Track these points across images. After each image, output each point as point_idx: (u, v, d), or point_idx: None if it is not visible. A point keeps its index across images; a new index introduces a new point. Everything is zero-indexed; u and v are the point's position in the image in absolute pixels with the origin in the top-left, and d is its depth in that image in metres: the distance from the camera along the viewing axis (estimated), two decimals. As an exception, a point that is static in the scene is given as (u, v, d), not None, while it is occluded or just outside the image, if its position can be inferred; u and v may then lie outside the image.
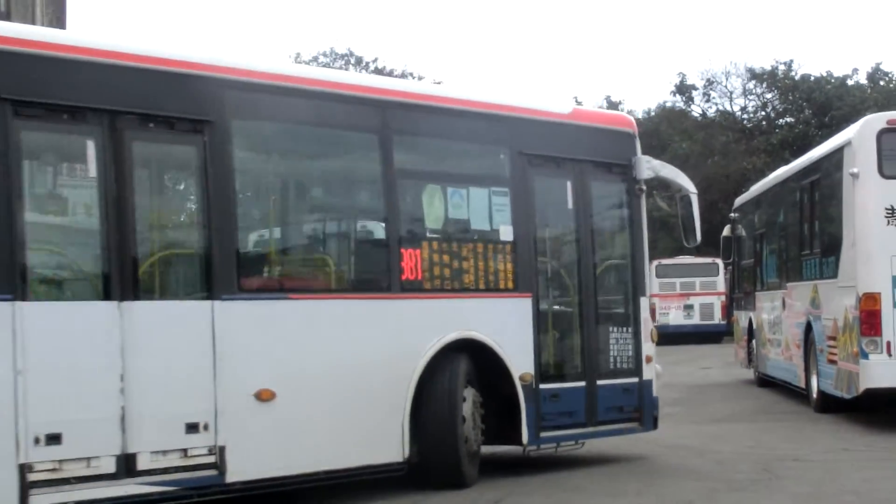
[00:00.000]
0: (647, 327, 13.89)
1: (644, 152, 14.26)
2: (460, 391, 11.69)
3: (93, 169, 9.65)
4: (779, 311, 20.77)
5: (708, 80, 60.82)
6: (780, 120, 60.49)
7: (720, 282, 47.41)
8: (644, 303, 14.00)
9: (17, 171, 9.10)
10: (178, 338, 9.90)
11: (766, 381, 22.79)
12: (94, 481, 9.32)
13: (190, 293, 10.24)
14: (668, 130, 59.39)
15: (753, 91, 60.78)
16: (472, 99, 12.66)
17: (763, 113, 60.90)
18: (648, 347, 13.76)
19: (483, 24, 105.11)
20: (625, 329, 13.65)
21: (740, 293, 25.80)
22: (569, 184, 13.29)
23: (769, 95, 60.45)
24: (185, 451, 9.86)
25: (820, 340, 17.67)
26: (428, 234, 11.85)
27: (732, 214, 25.95)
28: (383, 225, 11.66)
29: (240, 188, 10.69)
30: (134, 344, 9.56)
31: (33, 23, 30.17)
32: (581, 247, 13.36)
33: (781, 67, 59.70)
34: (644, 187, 14.19)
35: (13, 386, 8.92)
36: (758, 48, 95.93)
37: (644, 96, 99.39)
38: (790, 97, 59.47)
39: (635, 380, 13.55)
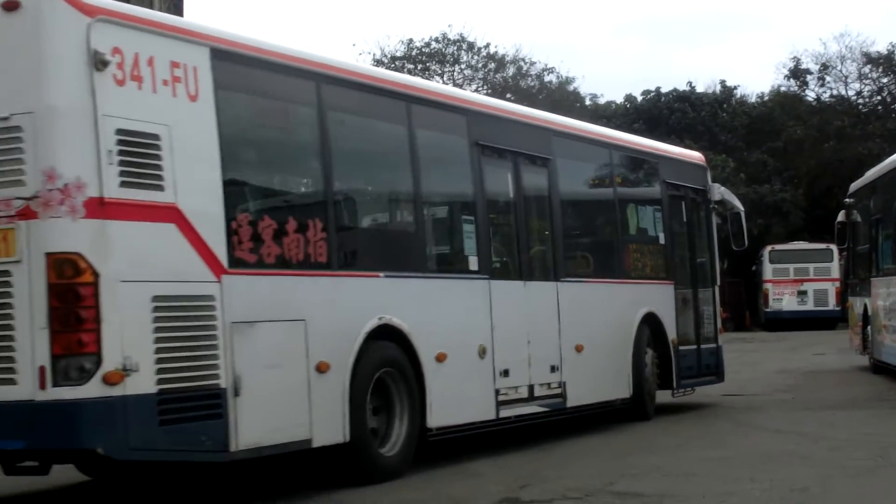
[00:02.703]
0: (718, 306, 18.80)
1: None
2: (644, 351, 16.23)
3: (511, 190, 14.01)
4: (895, 297, 20.53)
5: (822, 64, 60.01)
6: (897, 104, 59.69)
7: (834, 267, 46.90)
8: (717, 289, 18.81)
9: (481, 192, 13.29)
10: (539, 308, 14.03)
11: (881, 368, 22.53)
12: (520, 402, 13.53)
13: (545, 277, 14.42)
14: (781, 116, 58.73)
15: (869, 75, 59.91)
16: (651, 147, 18.09)
17: (879, 97, 60.03)
18: (719, 320, 18.75)
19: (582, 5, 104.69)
20: (709, 307, 18.41)
21: (855, 279, 25.52)
22: (683, 203, 18.05)
23: (885, 80, 59.55)
24: (549, 384, 14.09)
25: (937, 326, 17.47)
26: (632, 238, 16.75)
27: (847, 200, 25.66)
28: (617, 232, 16.45)
29: (563, 208, 14.99)
30: (530, 311, 13.84)
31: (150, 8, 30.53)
32: (689, 247, 18.18)
33: (898, 51, 58.84)
34: (715, 206, 18.84)
35: (490, 336, 13.00)
36: (874, 32, 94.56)
37: (758, 81, 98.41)
38: (907, 81, 58.65)
39: (715, 345, 18.45)
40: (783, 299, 48.74)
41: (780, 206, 54.45)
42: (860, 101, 60.20)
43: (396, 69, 58.17)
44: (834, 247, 43.47)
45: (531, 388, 13.71)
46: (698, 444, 13.68)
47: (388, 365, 11.47)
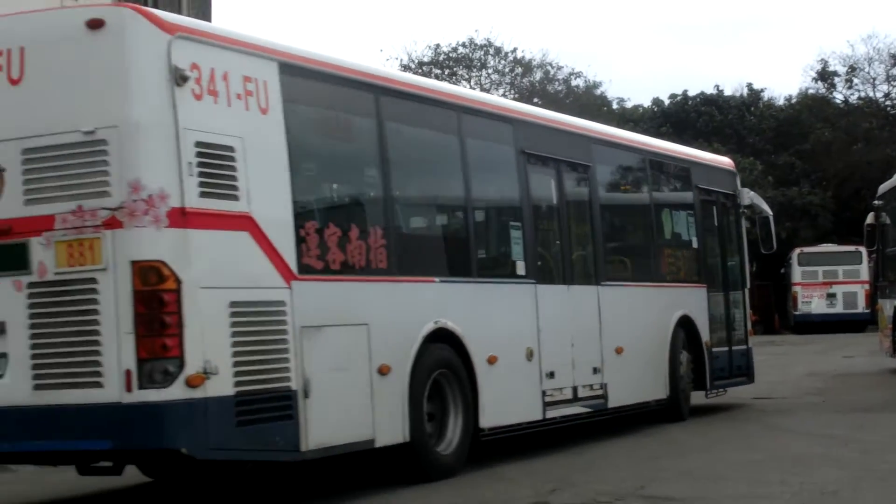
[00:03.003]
0: (748, 309, 19.21)
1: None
2: (679, 352, 16.60)
3: (554, 196, 14.37)
4: (925, 300, 20.47)
5: (850, 66, 59.86)
6: (925, 106, 59.49)
7: (864, 270, 46.72)
8: (747, 292, 19.20)
9: (527, 198, 13.70)
10: (582, 311, 14.44)
11: (911, 371, 22.48)
12: (565, 403, 13.89)
13: (587, 281, 14.76)
14: (809, 118, 58.58)
15: (898, 77, 59.71)
16: (684, 153, 18.61)
17: (907, 99, 59.85)
18: (749, 323, 19.12)
19: (616, 9, 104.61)
20: (740, 309, 18.79)
21: (884, 281, 25.45)
22: (714, 208, 18.46)
23: (914, 81, 59.37)
24: (591, 385, 14.42)
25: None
26: (667, 243, 17.17)
27: (876, 202, 25.59)
28: (653, 237, 16.83)
29: (602, 213, 15.40)
30: (573, 315, 14.23)
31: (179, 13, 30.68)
32: (720, 250, 18.59)
33: (928, 53, 58.64)
34: (745, 210, 19.29)
35: (537, 339, 13.38)
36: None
37: (785, 83, 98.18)
38: (936, 82, 58.47)
39: (746, 347, 18.83)
40: (812, 302, 48.61)
41: (809, 208, 54.30)
42: (888, 102, 60.02)
43: (424, 75, 58.26)
44: (863, 249, 43.27)
45: (575, 389, 14.12)
46: (728, 447, 13.69)
47: (443, 367, 11.82)
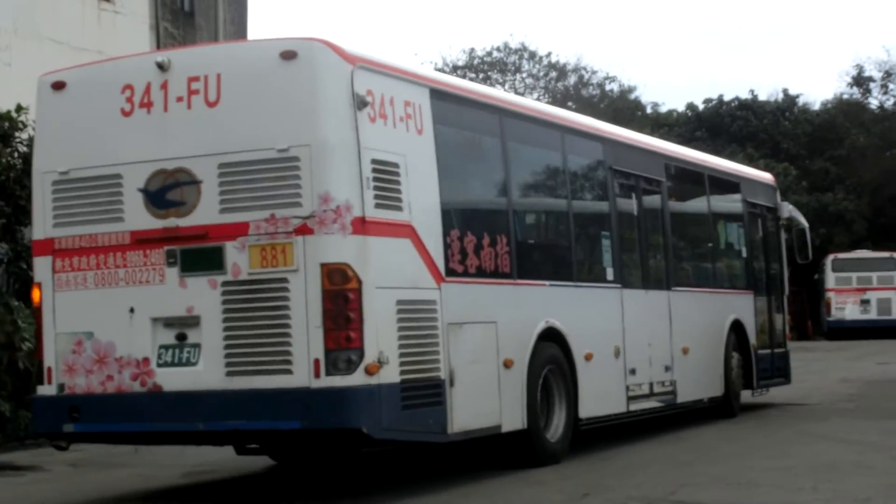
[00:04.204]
0: (786, 314, 20.88)
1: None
2: (731, 353, 17.93)
3: (635, 209, 15.69)
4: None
5: (886, 71, 59.54)
6: (961, 112, 59.12)
7: (898, 277, 46.51)
8: (785, 298, 20.76)
9: (615, 210, 14.97)
10: (656, 313, 15.73)
11: (945, 378, 22.38)
12: (644, 398, 15.17)
13: (660, 286, 16.06)
14: (844, 123, 58.29)
15: (933, 83, 59.41)
16: (735, 169, 20.26)
17: (944, 105, 59.52)
18: (787, 327, 20.77)
19: (647, 10, 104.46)
20: (780, 314, 20.37)
21: (919, 288, 25.35)
22: (759, 220, 19.99)
23: (950, 87, 59.06)
24: (663, 382, 15.69)
25: None
26: (722, 252, 18.76)
27: (911, 208, 25.50)
28: (711, 246, 18.47)
29: (672, 224, 16.69)
30: (650, 317, 15.52)
31: (216, 20, 30.85)
32: (764, 259, 20.03)
33: (963, 58, 58.34)
34: (784, 222, 20.69)
35: (622, 338, 14.64)
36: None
37: (821, 88, 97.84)
38: (972, 89, 58.16)
39: (784, 349, 20.35)
40: (846, 308, 48.39)
41: (843, 214, 54.08)
42: (924, 108, 59.69)
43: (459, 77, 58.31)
44: (898, 256, 43.14)
45: (651, 385, 15.41)
46: (761, 454, 13.68)
47: (551, 363, 13.07)
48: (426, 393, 11.00)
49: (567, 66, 61.22)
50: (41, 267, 11.31)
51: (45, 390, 11.20)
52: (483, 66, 60.12)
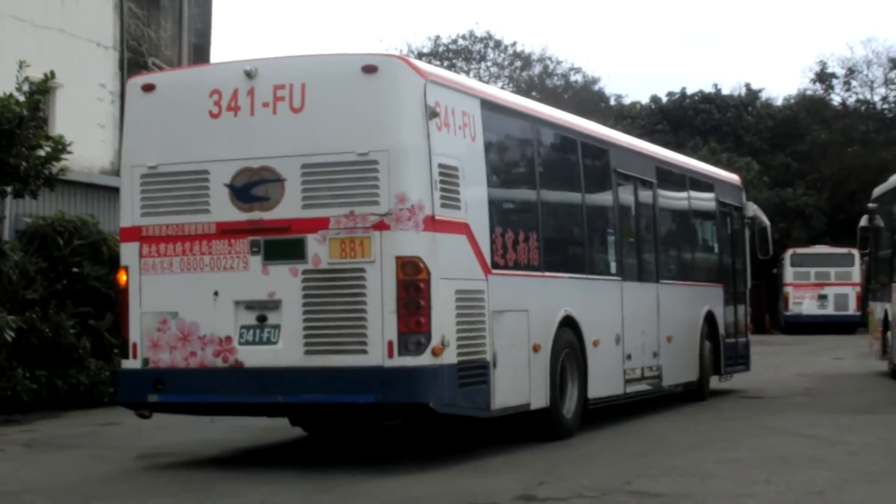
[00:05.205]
0: (748, 305, 22.35)
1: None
2: (704, 342, 19.31)
3: (633, 207, 17.02)
4: (916, 303, 20.53)
5: (849, 68, 59.86)
6: (923, 110, 59.45)
7: (856, 272, 46.78)
8: (748, 291, 22.34)
9: (618, 208, 16.37)
10: (648, 304, 17.09)
11: (900, 374, 22.52)
12: (637, 381, 16.49)
13: (651, 279, 17.41)
14: (806, 119, 58.56)
15: (895, 81, 59.69)
16: (710, 171, 21.69)
17: (905, 103, 59.83)
18: (748, 318, 22.20)
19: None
20: (743, 305, 21.79)
21: (876, 284, 25.49)
22: (728, 218, 21.39)
23: (911, 85, 59.36)
24: (651, 367, 16.98)
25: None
26: (698, 247, 20.22)
27: (870, 205, 25.60)
28: (690, 242, 19.84)
29: (661, 221, 18.12)
30: (642, 307, 16.80)
31: (180, 1, 30.67)
32: (731, 254, 21.42)
33: (926, 57, 58.64)
34: (748, 220, 22.17)
35: (622, 326, 15.92)
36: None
37: (784, 83, 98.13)
38: (933, 87, 58.46)
39: (746, 339, 21.89)
40: (803, 303, 48.66)
41: (803, 209, 54.33)
42: (885, 106, 60.01)
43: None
44: (855, 251, 43.34)
45: (643, 370, 16.74)
46: (716, 446, 13.73)
47: (567, 347, 14.29)
48: (476, 373, 12.24)
49: (532, 56, 61.33)
50: (128, 252, 12.52)
51: (130, 364, 12.44)
52: (448, 54, 60.08)
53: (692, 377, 18.91)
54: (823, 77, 60.28)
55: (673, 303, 18.02)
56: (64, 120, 24.97)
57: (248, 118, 12.10)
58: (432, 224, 11.68)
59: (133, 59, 28.66)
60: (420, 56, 58.75)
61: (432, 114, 11.81)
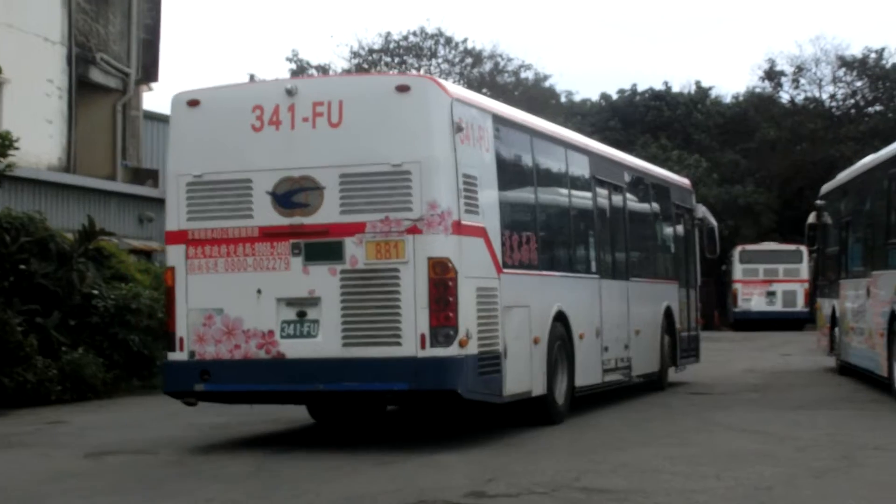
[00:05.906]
0: (697, 301, 23.82)
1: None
2: (663, 335, 20.67)
3: (608, 211, 18.22)
4: (863, 300, 20.62)
5: (797, 66, 60.18)
6: (870, 108, 59.82)
7: (804, 269, 47.06)
8: (697, 287, 23.73)
9: (597, 212, 17.61)
10: (620, 300, 18.36)
11: (847, 370, 22.67)
12: (612, 372, 17.77)
13: (622, 277, 18.66)
14: (755, 116, 58.87)
15: (843, 79, 60.12)
16: (667, 175, 23.13)
17: (852, 101, 60.23)
18: (697, 313, 23.75)
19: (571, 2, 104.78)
20: (693, 301, 23.13)
21: (824, 280, 25.64)
22: (682, 219, 22.85)
23: (859, 83, 59.77)
24: (622, 359, 18.26)
25: (904, 330, 17.59)
26: (659, 247, 21.66)
27: (818, 202, 25.73)
28: (652, 242, 21.25)
29: (630, 223, 19.27)
30: (616, 302, 18.11)
31: (130, 9, 30.47)
32: (684, 253, 22.79)
33: (873, 55, 59.05)
34: (698, 221, 23.63)
35: (601, 321, 17.19)
36: (849, 35, 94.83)
37: (733, 81, 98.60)
38: (881, 85, 58.84)
39: (696, 333, 23.48)
40: (752, 299, 48.92)
41: (752, 207, 54.61)
42: (833, 104, 60.41)
43: (373, 62, 58.11)
44: (804, 248, 43.62)
45: (616, 361, 17.99)
46: (665, 442, 13.77)
47: (559, 339, 15.43)
48: (492, 362, 13.42)
49: (483, 53, 61.23)
50: (174, 253, 13.55)
51: (177, 356, 13.45)
52: (399, 51, 59.95)
53: (654, 368, 20.16)
54: (772, 75, 60.60)
55: (640, 299, 19.33)
56: (11, 116, 24.82)
57: (288, 132, 13.21)
58: (458, 228, 12.91)
59: (81, 55, 28.50)
60: (371, 53, 58.73)
61: (458, 128, 13.03)
